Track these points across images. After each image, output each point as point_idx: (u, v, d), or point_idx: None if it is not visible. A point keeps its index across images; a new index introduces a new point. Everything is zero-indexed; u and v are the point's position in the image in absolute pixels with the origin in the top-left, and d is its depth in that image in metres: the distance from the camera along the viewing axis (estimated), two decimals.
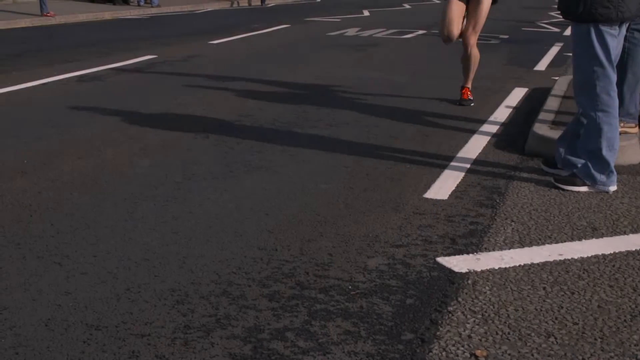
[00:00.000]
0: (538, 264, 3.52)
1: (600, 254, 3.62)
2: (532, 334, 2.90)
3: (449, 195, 4.47)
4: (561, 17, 4.52)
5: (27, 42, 12.10)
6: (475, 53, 6.89)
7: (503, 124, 6.33)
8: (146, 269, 3.44)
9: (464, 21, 6.68)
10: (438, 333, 2.91)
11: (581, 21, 4.33)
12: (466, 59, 6.97)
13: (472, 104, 6.98)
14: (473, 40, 6.78)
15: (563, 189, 4.56)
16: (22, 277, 3.36)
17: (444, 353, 2.77)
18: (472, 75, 7.07)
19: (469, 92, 7.10)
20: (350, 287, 3.29)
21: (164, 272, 3.41)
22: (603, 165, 4.48)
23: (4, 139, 5.65)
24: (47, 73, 8.54)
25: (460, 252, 3.66)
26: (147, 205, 4.28)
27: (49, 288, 3.26)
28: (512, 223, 4.04)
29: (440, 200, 4.39)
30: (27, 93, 7.53)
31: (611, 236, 3.86)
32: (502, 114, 6.74)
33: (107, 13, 18.49)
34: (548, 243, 3.77)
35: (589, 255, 3.60)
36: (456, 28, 6.57)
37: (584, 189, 4.53)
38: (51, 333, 2.90)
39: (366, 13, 19.67)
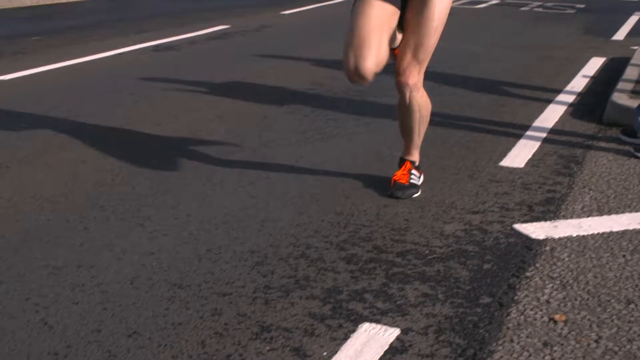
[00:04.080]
0: (617, 232, 3.48)
1: None
2: (612, 301, 2.89)
3: (525, 163, 4.45)
4: None
5: (102, 13, 12.31)
6: (420, 100, 3.80)
7: (580, 94, 6.23)
8: (226, 232, 3.51)
9: (395, 37, 3.69)
10: (516, 298, 2.92)
11: None
12: (405, 110, 3.83)
13: (416, 194, 3.95)
14: (414, 75, 3.71)
15: None
16: (106, 237, 3.46)
17: (522, 317, 2.77)
18: (417, 140, 3.99)
19: (409, 170, 3.99)
20: (427, 251, 3.31)
21: (243, 234, 3.48)
22: None
23: (84, 107, 5.79)
24: (123, 43, 8.68)
25: (537, 220, 3.64)
26: (225, 171, 4.35)
27: (133, 248, 3.35)
28: (590, 191, 4.00)
29: (516, 168, 4.37)
30: (104, 62, 7.68)
31: None
32: (579, 83, 6.64)
33: None
34: (627, 212, 3.73)
35: None
36: (373, 55, 3.46)
37: None
38: (136, 291, 2.99)
39: None
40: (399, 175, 3.97)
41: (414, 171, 4.00)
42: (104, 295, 2.95)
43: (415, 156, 4.04)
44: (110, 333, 2.69)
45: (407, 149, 4.02)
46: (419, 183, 4.00)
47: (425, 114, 3.86)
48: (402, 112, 3.84)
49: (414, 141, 3.96)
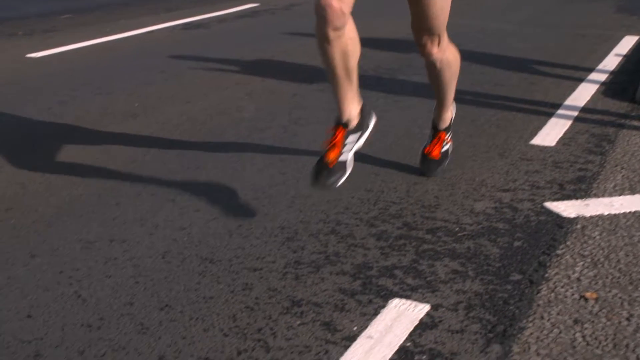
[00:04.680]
0: None
1: None
2: None
3: (557, 142, 4.41)
4: None
5: None
6: (449, 58, 3.62)
7: (612, 72, 6.16)
8: (256, 208, 3.53)
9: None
10: (546, 275, 2.91)
11: None
12: (435, 73, 3.67)
13: (447, 161, 3.90)
14: (435, 46, 3.52)
15: None
16: (138, 213, 3.49)
17: (552, 294, 2.77)
18: (450, 96, 3.84)
19: (443, 142, 3.91)
20: (457, 228, 3.30)
21: (273, 210, 3.49)
22: None
23: (115, 84, 5.82)
24: (153, 21, 8.71)
25: (568, 198, 3.62)
26: (255, 147, 4.36)
27: (164, 223, 3.38)
28: (622, 170, 3.97)
29: (547, 146, 4.34)
30: (135, 40, 7.71)
31: None
32: (611, 62, 6.56)
33: None
34: None
35: None
36: None
37: None
38: (168, 265, 3.02)
39: None
40: (432, 148, 3.87)
41: (446, 142, 3.92)
42: (136, 269, 2.98)
43: (447, 121, 3.92)
44: (142, 306, 2.72)
45: (440, 112, 3.88)
46: (450, 149, 3.96)
47: (456, 68, 3.73)
48: (433, 75, 3.70)
49: (447, 99, 3.83)
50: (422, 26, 3.46)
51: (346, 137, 3.25)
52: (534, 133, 4.56)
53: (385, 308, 2.68)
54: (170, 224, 3.37)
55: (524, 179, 3.86)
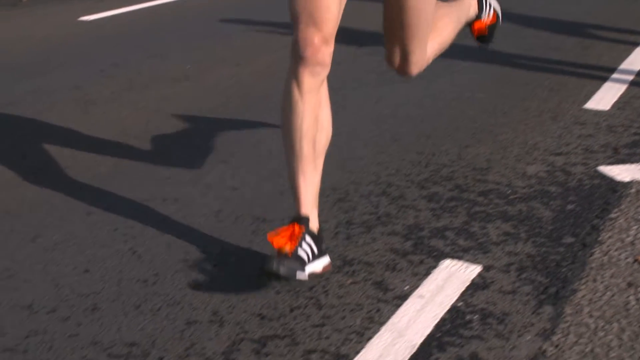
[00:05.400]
0: None
1: None
2: None
3: (611, 106, 4.35)
4: None
5: None
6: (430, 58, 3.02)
7: None
8: None
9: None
10: (599, 238, 2.89)
11: None
12: None
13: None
14: (409, 63, 2.90)
15: None
16: (190, 173, 3.53)
17: (605, 257, 2.75)
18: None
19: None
20: (509, 191, 3.29)
21: (324, 172, 3.47)
22: None
23: (167, 47, 5.86)
24: None
25: (622, 162, 3.58)
26: None
27: (216, 183, 3.42)
28: None
29: (601, 110, 4.28)
30: (186, 4, 7.73)
31: None
32: None
33: None
34: None
35: None
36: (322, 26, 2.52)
37: None
38: (221, 224, 3.05)
39: None
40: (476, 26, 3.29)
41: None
42: (189, 227, 3.02)
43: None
44: (195, 263, 2.76)
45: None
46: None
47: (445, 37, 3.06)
48: None
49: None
50: (397, 36, 2.76)
51: (303, 236, 2.49)
52: (587, 97, 4.50)
53: (437, 268, 2.69)
54: (223, 184, 3.40)
55: (577, 142, 3.81)
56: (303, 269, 2.41)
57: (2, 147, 3.88)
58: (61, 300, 2.55)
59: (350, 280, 2.62)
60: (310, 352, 2.25)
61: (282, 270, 2.36)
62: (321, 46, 2.48)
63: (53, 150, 3.81)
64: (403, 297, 2.51)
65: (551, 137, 3.89)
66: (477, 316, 2.40)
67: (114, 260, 2.79)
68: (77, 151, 3.81)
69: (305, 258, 2.45)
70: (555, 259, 2.74)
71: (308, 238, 2.49)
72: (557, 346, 2.24)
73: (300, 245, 2.46)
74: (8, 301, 2.55)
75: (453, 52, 5.53)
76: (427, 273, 2.66)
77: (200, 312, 2.46)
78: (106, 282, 2.65)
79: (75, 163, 3.66)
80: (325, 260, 2.55)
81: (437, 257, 2.76)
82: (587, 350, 2.22)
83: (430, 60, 2.99)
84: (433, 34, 2.88)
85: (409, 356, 2.20)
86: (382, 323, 2.37)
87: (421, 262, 2.73)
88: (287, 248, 2.43)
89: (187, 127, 4.12)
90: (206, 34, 6.32)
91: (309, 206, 2.53)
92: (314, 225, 2.54)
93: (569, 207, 3.14)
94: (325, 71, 2.52)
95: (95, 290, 2.60)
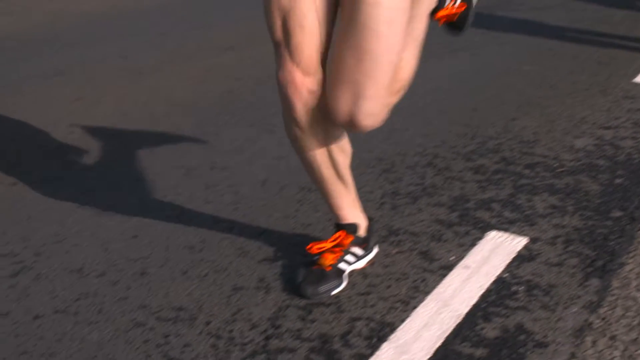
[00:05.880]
0: None
1: None
2: None
3: None
4: None
5: None
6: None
7: None
8: (353, 139, 3.52)
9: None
10: None
11: None
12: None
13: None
14: (363, 114, 2.13)
15: None
16: (236, 142, 3.55)
17: None
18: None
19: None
20: (556, 164, 3.26)
21: (370, 143, 3.50)
22: None
23: (213, 18, 5.88)
24: None
25: None
26: None
27: (262, 153, 3.44)
28: None
29: None
30: None
31: None
32: None
33: None
34: None
35: None
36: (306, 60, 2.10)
37: None
38: (267, 192, 3.07)
39: None
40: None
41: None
42: (236, 196, 3.05)
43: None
44: (241, 231, 2.79)
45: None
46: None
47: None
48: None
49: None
50: (345, 75, 2.08)
51: (350, 245, 2.47)
52: (637, 71, 4.44)
53: (483, 240, 2.68)
54: (269, 154, 3.42)
55: (627, 116, 3.76)
56: (337, 286, 2.39)
57: (51, 117, 3.93)
58: (110, 264, 2.60)
59: (395, 250, 2.62)
60: (355, 319, 2.26)
61: (311, 293, 2.36)
62: (304, 81, 2.11)
63: (101, 119, 3.86)
64: (448, 268, 2.51)
65: (600, 111, 3.84)
66: (522, 287, 2.39)
67: (162, 227, 2.82)
68: (124, 120, 3.85)
69: (347, 267, 2.45)
70: (602, 232, 2.71)
71: (354, 248, 2.48)
72: (603, 319, 2.23)
73: (344, 257, 2.45)
74: (59, 264, 2.60)
75: (500, 24, 5.49)
76: (473, 244, 2.65)
77: (247, 279, 2.48)
78: (154, 248, 2.68)
79: (122, 131, 3.71)
80: (370, 256, 2.55)
81: (483, 228, 2.75)
82: (635, 323, 2.20)
83: (391, 105, 2.30)
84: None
85: (454, 325, 2.20)
86: (427, 292, 2.38)
87: (467, 233, 2.73)
88: (328, 261, 2.42)
89: (233, 97, 4.14)
90: (252, 5, 6.32)
91: (350, 213, 2.46)
92: (360, 223, 2.49)
93: (617, 180, 3.10)
94: (317, 94, 2.13)
95: (144, 256, 2.64)
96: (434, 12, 2.54)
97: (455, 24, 2.65)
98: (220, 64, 4.74)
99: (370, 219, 2.55)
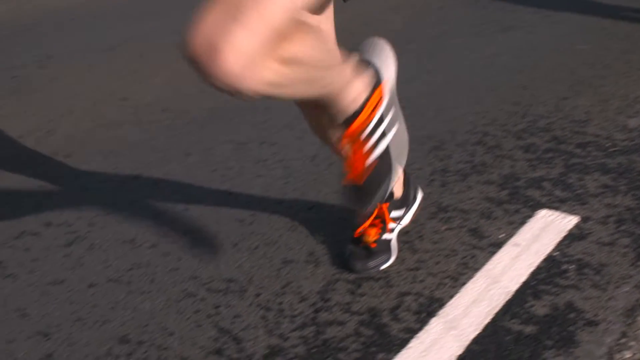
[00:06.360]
0: None
1: None
2: None
3: None
4: None
5: None
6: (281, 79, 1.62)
7: None
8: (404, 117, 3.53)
9: None
10: None
11: None
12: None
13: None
14: (223, 57, 1.44)
15: None
16: (287, 118, 3.57)
17: None
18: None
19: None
20: (608, 144, 3.22)
21: (420, 120, 3.50)
22: None
23: None
24: None
25: None
26: (401, 59, 4.33)
27: None
28: None
29: None
30: None
31: None
32: None
33: None
34: None
35: None
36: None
37: None
38: (316, 168, 3.09)
39: None
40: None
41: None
42: (286, 171, 3.07)
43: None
44: (291, 205, 2.81)
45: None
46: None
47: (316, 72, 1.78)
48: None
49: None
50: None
51: (389, 213, 2.43)
52: None
53: (533, 218, 2.66)
54: None
55: None
56: (386, 260, 2.40)
57: (105, 90, 3.99)
58: (162, 236, 2.64)
59: (445, 227, 2.62)
60: (404, 294, 2.27)
61: (360, 268, 2.37)
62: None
63: (152, 93, 3.90)
64: (498, 245, 2.50)
65: None
66: (573, 266, 2.38)
67: (212, 200, 2.86)
68: (175, 95, 3.89)
69: (391, 235, 2.44)
70: None
71: (393, 213, 2.45)
72: None
73: (386, 227, 2.42)
74: (112, 235, 2.65)
75: (553, 2, 5.42)
76: (523, 222, 2.64)
77: (296, 252, 2.50)
78: (205, 221, 2.72)
79: (174, 105, 3.74)
80: (413, 209, 2.55)
81: (533, 206, 2.74)
82: None
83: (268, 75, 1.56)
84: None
85: (503, 302, 2.20)
86: (476, 269, 2.37)
87: (517, 211, 2.71)
88: (372, 237, 2.40)
89: None
90: None
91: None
92: (395, 190, 2.42)
93: None
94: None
95: (194, 228, 2.68)
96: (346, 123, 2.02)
97: (362, 188, 2.08)
98: None
99: (405, 173, 2.46)
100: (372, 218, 2.41)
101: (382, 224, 2.43)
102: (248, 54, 1.47)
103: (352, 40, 4.59)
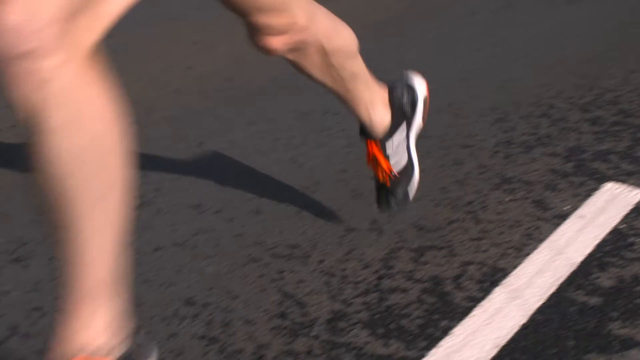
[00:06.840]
0: None
1: None
2: None
3: None
4: None
5: None
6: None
7: None
8: (466, 89, 3.52)
9: None
10: None
11: None
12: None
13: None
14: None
15: None
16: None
17: None
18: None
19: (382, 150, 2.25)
20: None
21: (484, 92, 3.47)
22: None
23: None
24: None
25: None
26: (465, 31, 4.31)
27: None
28: None
29: None
30: None
31: None
32: None
33: None
34: None
35: None
36: None
37: None
38: None
39: None
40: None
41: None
42: (349, 140, 3.08)
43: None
44: (354, 174, 2.81)
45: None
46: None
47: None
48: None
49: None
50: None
51: (383, 143, 2.22)
52: None
53: (599, 190, 2.63)
54: None
55: None
56: (409, 180, 2.28)
57: (168, 59, 4.03)
58: (226, 202, 2.67)
59: (509, 198, 2.61)
60: (467, 263, 2.27)
61: (394, 205, 2.29)
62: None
63: (217, 61, 3.94)
64: (563, 217, 2.48)
65: None
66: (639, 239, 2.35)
67: (275, 168, 2.88)
68: (239, 64, 3.91)
69: (400, 165, 2.26)
70: None
71: (389, 142, 2.22)
72: None
73: (391, 160, 2.25)
74: (178, 200, 2.69)
75: None
76: (588, 194, 2.61)
77: (359, 221, 2.52)
78: (268, 188, 2.74)
79: (238, 75, 3.77)
80: (418, 116, 2.27)
81: (599, 179, 2.70)
82: None
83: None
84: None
85: (568, 273, 2.19)
86: (541, 240, 2.36)
87: (582, 183, 2.68)
88: (381, 177, 2.27)
89: None
90: None
91: (363, 116, 2.15)
92: (376, 117, 2.17)
93: None
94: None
95: (258, 195, 2.70)
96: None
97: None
98: (339, 8, 4.73)
99: (390, 89, 2.24)
100: (368, 159, 2.26)
101: (385, 159, 2.22)
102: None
103: (410, 11, 4.56)
